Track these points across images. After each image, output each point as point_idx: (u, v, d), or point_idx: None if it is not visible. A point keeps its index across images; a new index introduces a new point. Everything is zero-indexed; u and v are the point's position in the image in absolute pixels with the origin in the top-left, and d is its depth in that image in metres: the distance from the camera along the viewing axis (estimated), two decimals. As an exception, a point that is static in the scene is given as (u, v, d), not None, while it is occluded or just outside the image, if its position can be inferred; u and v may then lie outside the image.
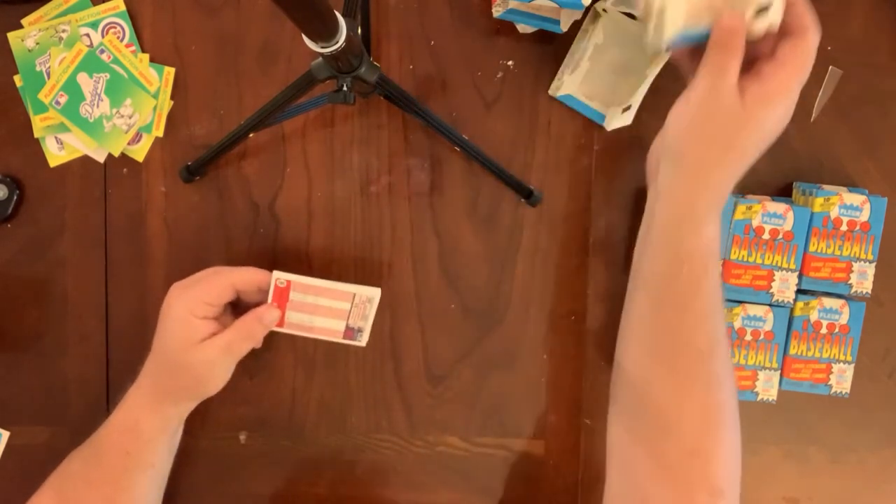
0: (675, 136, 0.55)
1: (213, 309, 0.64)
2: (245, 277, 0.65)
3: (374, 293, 0.66)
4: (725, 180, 0.54)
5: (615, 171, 0.73)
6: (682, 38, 0.55)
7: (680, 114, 0.55)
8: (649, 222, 0.57)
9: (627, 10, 0.69)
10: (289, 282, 0.65)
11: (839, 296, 0.69)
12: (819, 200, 0.67)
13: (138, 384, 0.66)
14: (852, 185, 0.72)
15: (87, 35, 0.73)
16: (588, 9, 0.68)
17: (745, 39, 0.52)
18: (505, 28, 0.72)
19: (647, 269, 0.57)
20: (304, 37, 0.50)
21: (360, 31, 0.67)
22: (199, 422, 0.73)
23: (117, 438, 0.65)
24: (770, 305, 0.68)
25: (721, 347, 0.55)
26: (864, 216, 0.67)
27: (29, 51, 0.73)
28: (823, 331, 0.69)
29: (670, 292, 0.55)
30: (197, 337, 0.63)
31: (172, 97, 0.73)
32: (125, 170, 0.74)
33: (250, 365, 0.73)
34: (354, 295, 0.66)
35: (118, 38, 0.73)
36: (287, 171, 0.73)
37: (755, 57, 0.54)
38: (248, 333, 0.64)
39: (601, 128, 0.73)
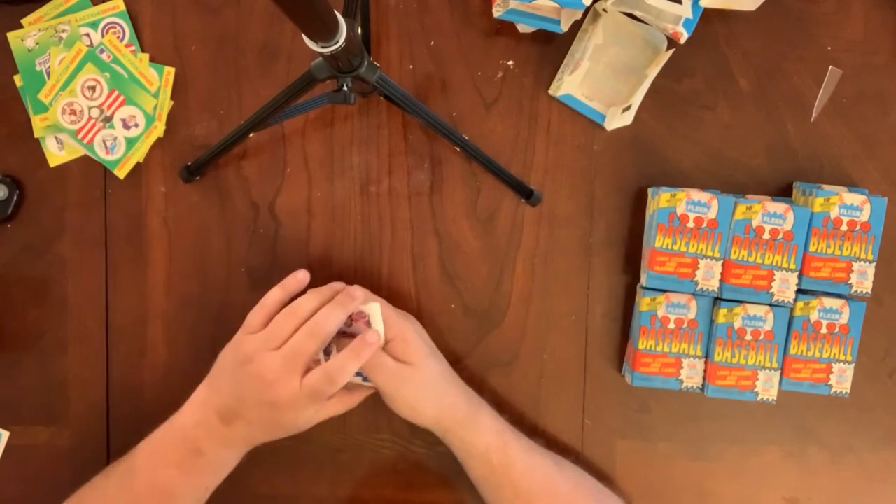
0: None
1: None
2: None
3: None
4: (460, 401, 0.68)
5: (615, 171, 0.73)
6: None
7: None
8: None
9: (627, 10, 0.69)
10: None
11: (839, 296, 0.69)
12: (819, 200, 0.67)
13: (209, 429, 0.63)
14: (852, 185, 0.72)
15: (87, 35, 0.73)
16: (588, 9, 0.68)
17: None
18: (505, 28, 0.72)
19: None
20: (304, 37, 0.50)
21: (360, 31, 0.68)
22: (199, 422, 0.73)
23: (196, 480, 0.65)
24: (770, 305, 0.68)
25: (554, 470, 0.67)
26: (864, 216, 0.67)
27: (29, 51, 0.73)
28: (823, 331, 0.68)
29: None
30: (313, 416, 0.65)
31: (172, 97, 0.73)
32: (125, 170, 0.74)
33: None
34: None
35: (118, 38, 0.73)
36: (287, 171, 0.73)
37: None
38: (351, 401, 0.68)
39: (601, 128, 0.73)
